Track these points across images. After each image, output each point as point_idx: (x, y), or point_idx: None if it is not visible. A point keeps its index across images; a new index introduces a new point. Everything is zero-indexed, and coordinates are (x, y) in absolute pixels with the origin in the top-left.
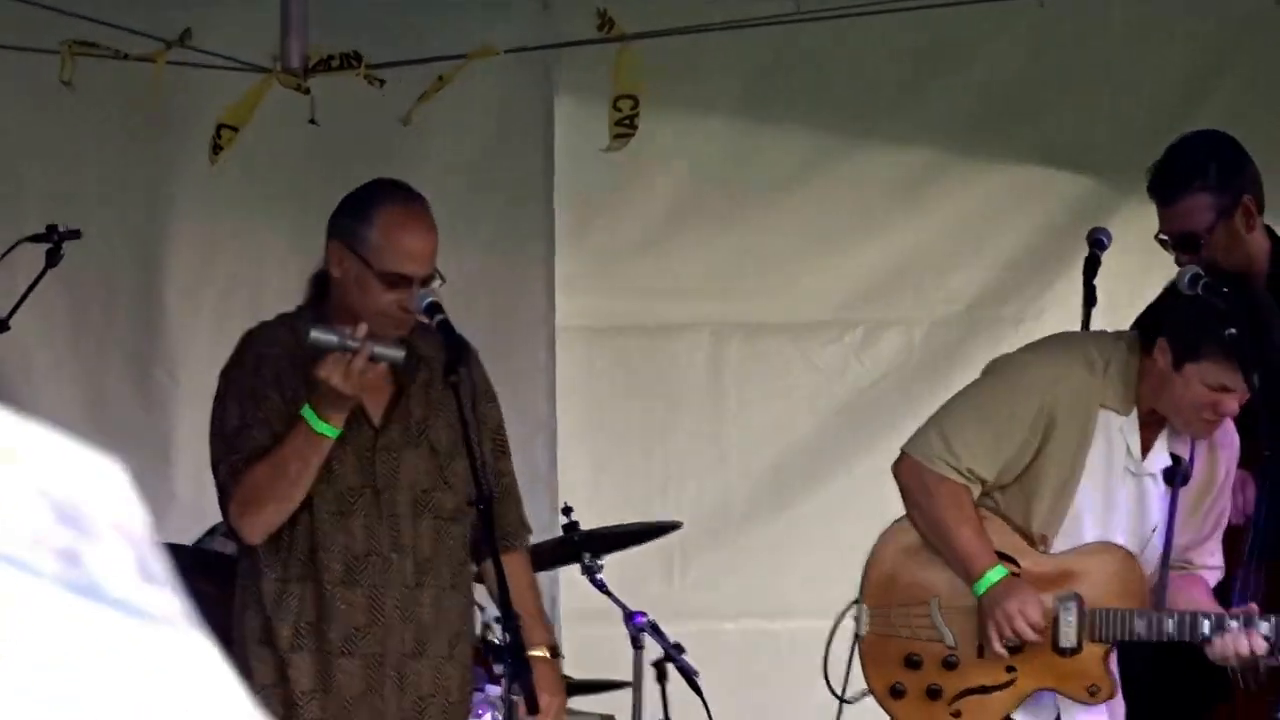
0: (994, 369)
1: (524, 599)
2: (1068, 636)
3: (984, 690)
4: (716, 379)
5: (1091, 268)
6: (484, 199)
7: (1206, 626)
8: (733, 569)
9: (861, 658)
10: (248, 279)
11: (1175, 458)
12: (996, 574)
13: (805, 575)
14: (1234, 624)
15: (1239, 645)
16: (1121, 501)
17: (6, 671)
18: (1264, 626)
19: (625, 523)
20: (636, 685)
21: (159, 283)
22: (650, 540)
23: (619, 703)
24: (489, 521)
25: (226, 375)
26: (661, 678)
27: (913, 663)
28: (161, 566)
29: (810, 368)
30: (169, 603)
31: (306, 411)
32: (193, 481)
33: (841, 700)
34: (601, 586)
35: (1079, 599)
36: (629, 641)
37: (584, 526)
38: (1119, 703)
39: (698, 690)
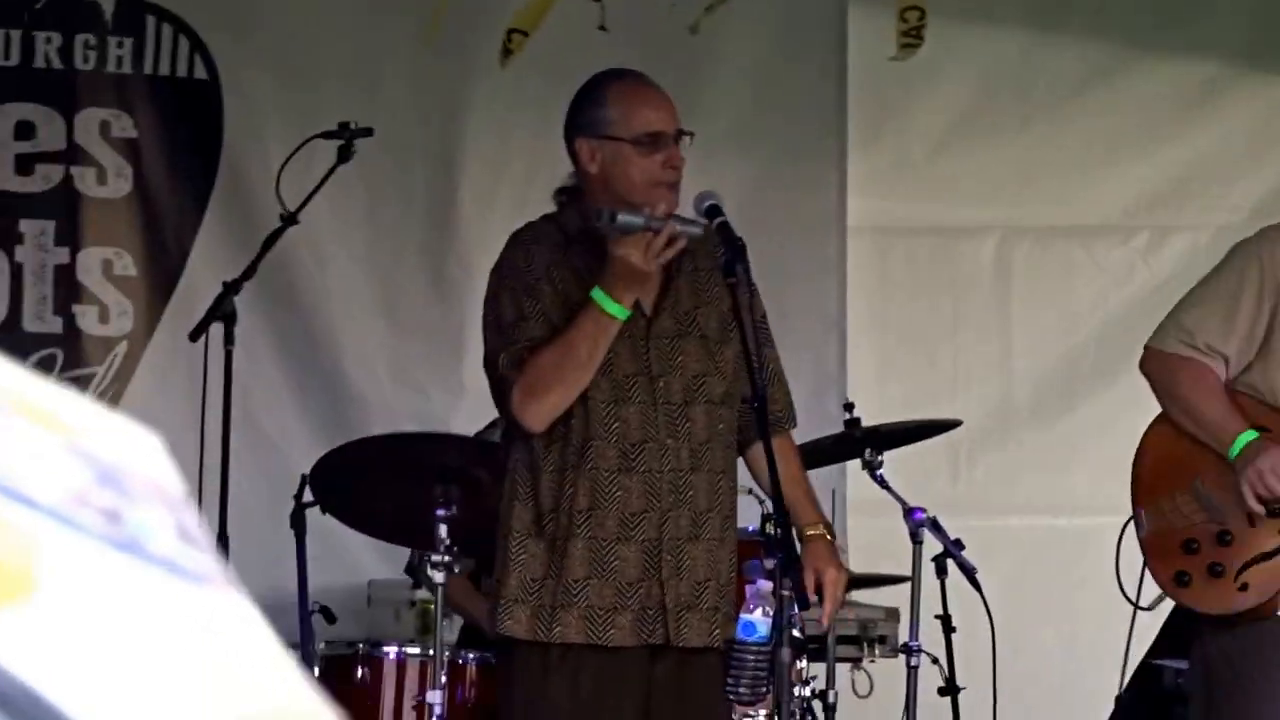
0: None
1: (794, 483)
2: None
3: (1265, 557)
4: (1003, 280)
5: None
6: (774, 104)
7: None
8: (1017, 467)
9: (1146, 559)
10: (539, 179)
11: None
12: (1248, 436)
13: (1089, 474)
14: None
15: None
16: None
17: (60, 626)
18: None
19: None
20: (915, 580)
21: (453, 181)
22: (931, 437)
23: (900, 597)
24: (764, 416)
25: (498, 272)
26: (941, 573)
27: (1191, 548)
28: (200, 529)
29: (1096, 271)
30: (210, 563)
31: (597, 293)
32: (483, 374)
33: (1136, 607)
34: (882, 482)
35: None
36: (909, 537)
37: (868, 423)
38: None
39: (977, 585)
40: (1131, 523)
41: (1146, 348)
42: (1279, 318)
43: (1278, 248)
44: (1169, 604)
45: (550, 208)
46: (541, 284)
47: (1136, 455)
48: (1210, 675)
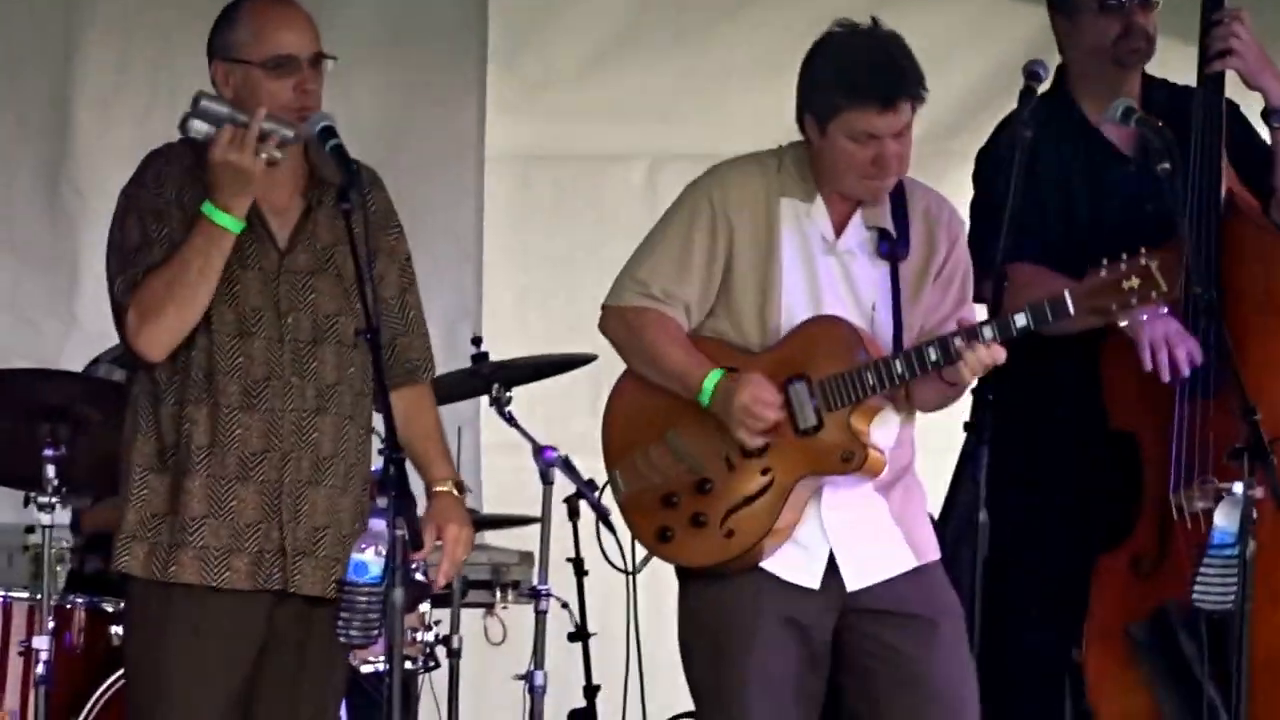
0: None
1: (427, 434)
2: (805, 417)
3: (748, 501)
4: (652, 209)
5: (1025, 100)
6: (411, 21)
7: (933, 353)
8: None
9: (627, 520)
10: (163, 94)
11: (882, 231)
12: (714, 377)
13: None
14: (957, 340)
15: (973, 357)
16: (827, 284)
17: None
18: (986, 331)
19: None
20: (545, 522)
21: (69, 96)
22: (563, 373)
23: (536, 541)
24: (377, 352)
25: (127, 194)
26: (573, 515)
27: (671, 502)
28: None
29: None
30: None
31: (206, 206)
32: (96, 305)
33: (627, 573)
34: (511, 419)
35: (805, 378)
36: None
37: (505, 358)
38: (909, 489)
39: (611, 527)
40: (599, 499)
41: (604, 307)
42: (735, 258)
43: (729, 186)
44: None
45: (166, 124)
46: (170, 208)
47: (605, 417)
48: (696, 619)
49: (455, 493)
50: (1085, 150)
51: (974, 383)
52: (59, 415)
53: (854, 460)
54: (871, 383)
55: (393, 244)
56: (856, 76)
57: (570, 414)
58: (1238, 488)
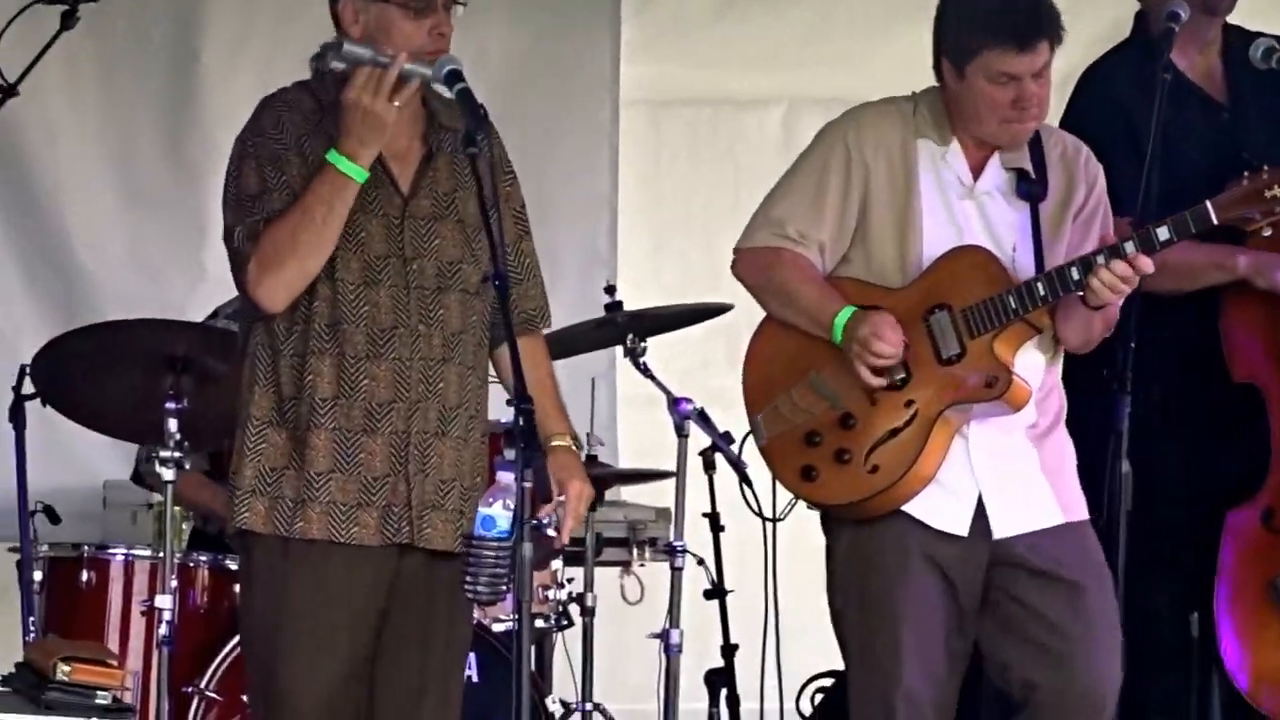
0: None
1: (542, 386)
2: (948, 345)
3: (892, 434)
4: (789, 154)
5: (1167, 41)
6: None
7: (1075, 271)
8: None
9: (770, 465)
10: (290, 42)
11: (1021, 172)
12: (846, 314)
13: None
14: (1100, 257)
15: (1113, 274)
16: (966, 226)
17: None
18: (1128, 246)
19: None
20: (680, 476)
21: (194, 50)
22: (700, 323)
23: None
24: (505, 299)
25: (243, 140)
26: (709, 469)
27: (813, 441)
28: None
29: None
30: None
31: (332, 154)
32: (224, 255)
33: (771, 520)
34: (645, 370)
35: (947, 306)
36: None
37: (638, 307)
38: (1060, 443)
39: (747, 481)
40: (742, 448)
41: (736, 250)
42: (871, 200)
43: (865, 128)
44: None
45: (294, 71)
46: (289, 154)
47: (745, 365)
48: (843, 571)
49: (573, 447)
50: (1177, 98)
51: (1116, 311)
52: (182, 367)
53: (997, 385)
54: (1014, 306)
55: (507, 191)
56: (994, 17)
57: (706, 366)
58: None
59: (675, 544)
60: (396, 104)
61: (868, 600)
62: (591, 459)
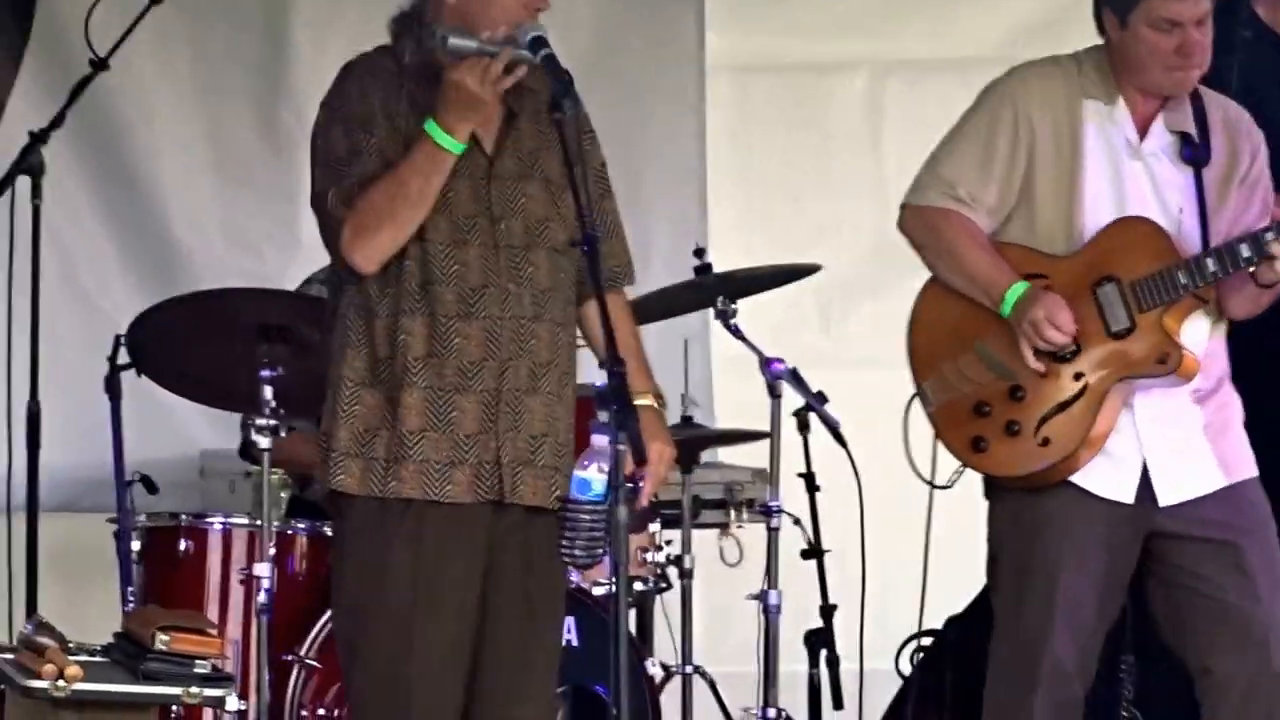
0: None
1: (626, 344)
2: (1117, 319)
3: (1062, 407)
4: (874, 118)
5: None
6: None
7: (1245, 249)
8: (892, 318)
9: (938, 433)
10: (380, 12)
11: (1184, 135)
12: (1019, 289)
13: None
14: (1270, 234)
15: None
16: (1132, 187)
17: None
18: None
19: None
20: (774, 436)
21: (285, 21)
22: (789, 284)
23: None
24: (594, 261)
25: (328, 104)
26: (803, 429)
27: (983, 411)
28: None
29: None
30: None
31: (430, 126)
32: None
33: (932, 486)
34: (736, 331)
35: (1115, 279)
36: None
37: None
38: (1225, 403)
39: (842, 440)
40: (917, 400)
41: (904, 206)
42: (1037, 161)
43: (1030, 86)
44: (969, 479)
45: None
46: (377, 117)
47: (910, 327)
48: (1006, 540)
49: (656, 405)
50: (1269, 55)
51: None
52: (276, 335)
53: (1169, 361)
54: (1184, 282)
55: (588, 150)
56: None
57: (797, 327)
58: None
59: (771, 504)
60: (500, 89)
61: (1026, 568)
62: (687, 420)
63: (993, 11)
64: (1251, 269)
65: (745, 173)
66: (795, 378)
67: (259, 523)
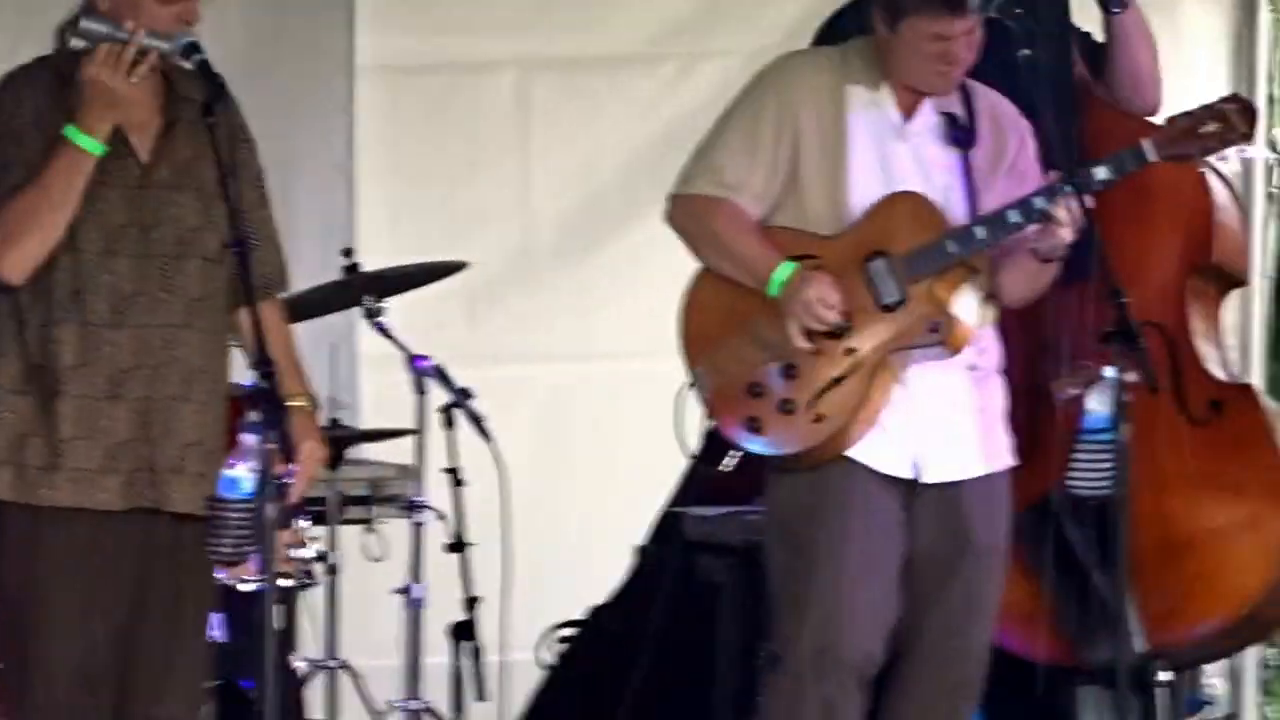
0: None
1: (280, 349)
2: (888, 291)
3: (835, 383)
4: (522, 117)
5: None
6: None
7: (1013, 215)
8: (540, 313)
9: (715, 418)
10: (32, 28)
11: (950, 117)
12: (785, 270)
13: (617, 318)
14: (1038, 200)
15: (1059, 217)
16: (898, 167)
17: None
18: (1066, 187)
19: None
20: (420, 432)
21: None
22: (437, 281)
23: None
24: (246, 266)
25: None
26: (449, 424)
27: (756, 392)
28: None
29: (621, 104)
30: None
31: (69, 129)
32: None
33: (719, 469)
34: (384, 330)
35: (884, 253)
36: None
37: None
38: (994, 391)
39: (485, 434)
40: (681, 400)
41: (672, 197)
42: (802, 146)
43: (794, 74)
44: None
45: (38, 46)
46: (29, 129)
47: (683, 316)
48: (784, 521)
49: (308, 407)
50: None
51: (1057, 267)
52: None
53: (941, 329)
54: (952, 250)
55: (246, 159)
56: None
57: (445, 323)
58: (1109, 372)
59: (414, 499)
60: (134, 79)
61: (807, 547)
62: (334, 422)
63: (640, 8)
64: (1020, 233)
65: (394, 173)
66: (441, 374)
67: None
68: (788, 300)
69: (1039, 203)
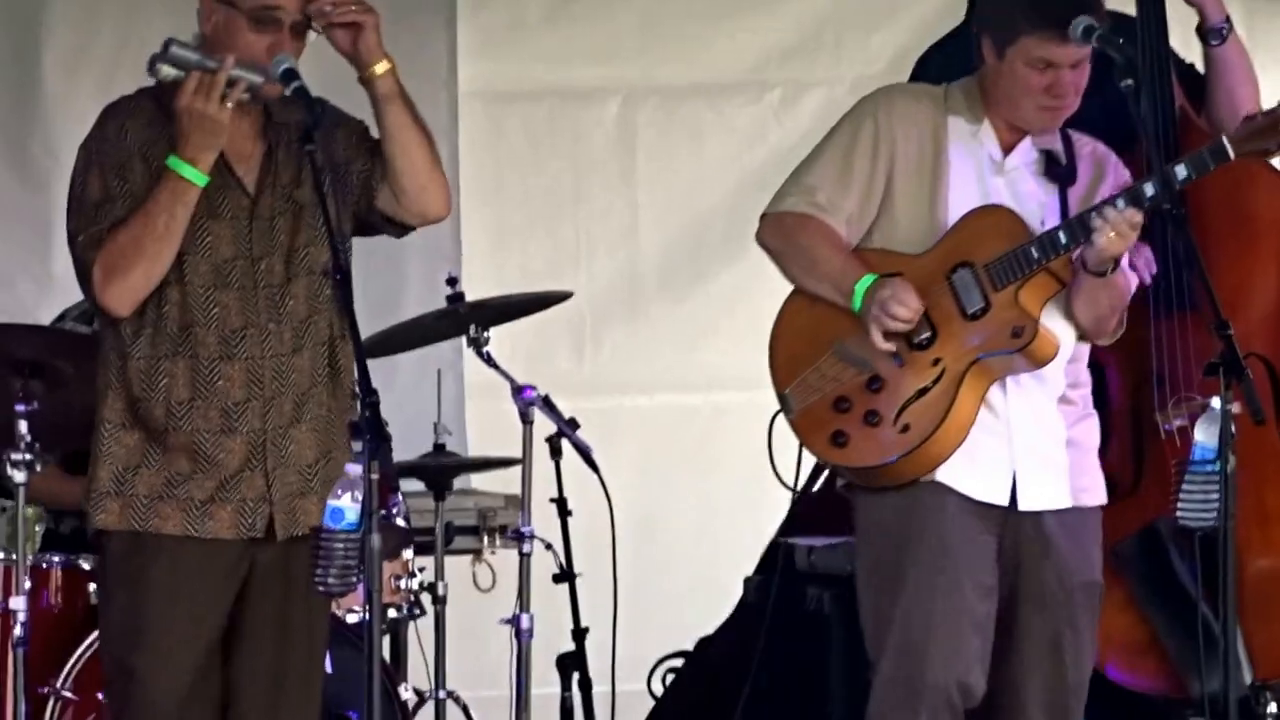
0: None
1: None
2: (971, 300)
3: (921, 393)
4: (627, 145)
5: None
6: None
7: (1096, 221)
8: (645, 343)
9: (801, 438)
10: (131, 52)
11: (1048, 153)
12: (867, 281)
13: (723, 348)
14: (1120, 201)
15: (1122, 221)
16: (996, 199)
17: None
18: (1148, 188)
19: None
20: (525, 462)
21: (37, 51)
22: (542, 311)
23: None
24: (347, 293)
25: (87, 147)
26: (555, 454)
27: (842, 407)
28: None
29: (727, 132)
30: None
31: (172, 160)
32: (71, 262)
33: (795, 492)
34: (489, 360)
35: (969, 264)
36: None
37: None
38: (1089, 427)
39: (593, 466)
40: (773, 425)
41: (763, 216)
42: (897, 175)
43: (894, 106)
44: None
45: (134, 79)
46: (133, 162)
47: (771, 341)
48: (872, 544)
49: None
50: None
51: (1126, 296)
52: (30, 370)
53: (1024, 335)
54: (1036, 255)
55: (346, 132)
56: (1040, 3)
57: (550, 353)
58: (1215, 403)
59: (523, 529)
60: (229, 106)
61: (893, 572)
62: (440, 448)
63: (744, 37)
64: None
65: (498, 201)
66: (547, 404)
67: (14, 556)
68: (867, 308)
69: (1120, 204)
